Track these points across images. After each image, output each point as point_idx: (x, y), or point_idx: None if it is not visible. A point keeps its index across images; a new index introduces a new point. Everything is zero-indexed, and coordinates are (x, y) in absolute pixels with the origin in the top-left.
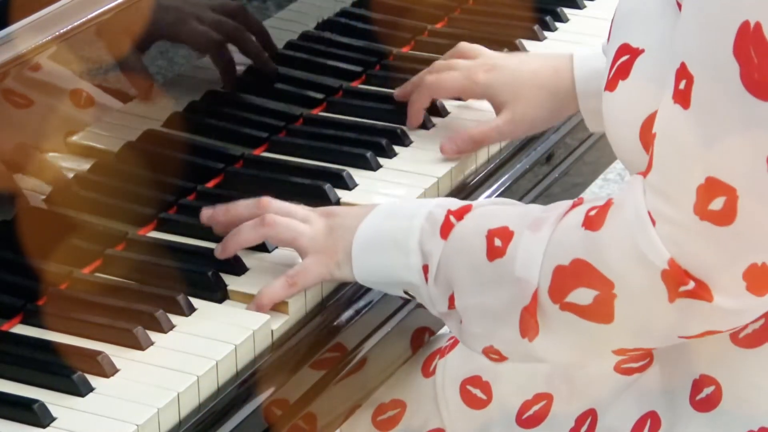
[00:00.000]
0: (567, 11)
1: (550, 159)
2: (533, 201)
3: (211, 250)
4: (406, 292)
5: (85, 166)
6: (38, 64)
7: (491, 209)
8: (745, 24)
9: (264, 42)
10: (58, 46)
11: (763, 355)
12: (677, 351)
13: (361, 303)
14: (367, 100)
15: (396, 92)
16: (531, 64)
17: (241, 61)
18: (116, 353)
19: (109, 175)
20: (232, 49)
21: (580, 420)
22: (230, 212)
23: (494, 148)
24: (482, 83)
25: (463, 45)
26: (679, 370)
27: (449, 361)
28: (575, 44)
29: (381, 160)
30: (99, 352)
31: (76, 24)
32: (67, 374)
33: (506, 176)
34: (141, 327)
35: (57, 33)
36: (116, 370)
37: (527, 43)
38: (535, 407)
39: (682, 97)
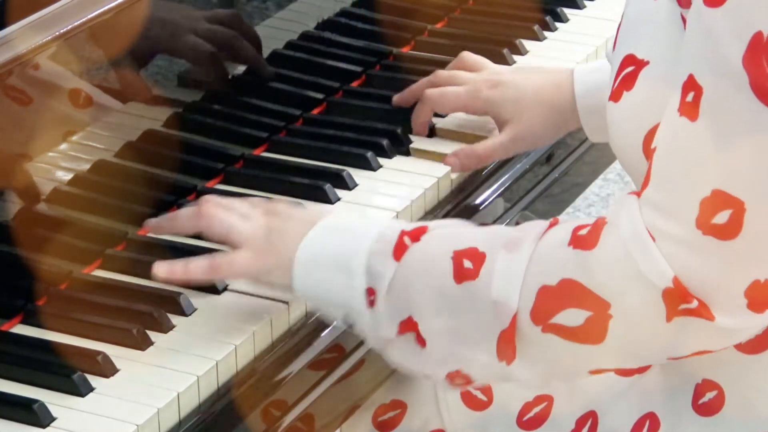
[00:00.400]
0: (567, 11)
1: (550, 159)
2: (533, 201)
3: (212, 250)
4: (345, 319)
5: (85, 166)
6: (38, 64)
7: (452, 230)
8: (758, 34)
9: (257, 48)
10: (57, 46)
11: (765, 361)
12: None
13: None
14: (367, 101)
15: (395, 99)
16: (533, 80)
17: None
18: (116, 353)
19: (109, 175)
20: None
21: (580, 422)
22: (174, 220)
23: None
24: (486, 100)
25: (467, 56)
26: (680, 374)
27: None
28: (575, 44)
29: (381, 160)
30: (99, 352)
31: (76, 24)
32: (67, 374)
33: (506, 176)
34: (141, 327)
35: (57, 33)
36: (116, 370)
37: (527, 43)
38: (536, 409)
39: (690, 110)
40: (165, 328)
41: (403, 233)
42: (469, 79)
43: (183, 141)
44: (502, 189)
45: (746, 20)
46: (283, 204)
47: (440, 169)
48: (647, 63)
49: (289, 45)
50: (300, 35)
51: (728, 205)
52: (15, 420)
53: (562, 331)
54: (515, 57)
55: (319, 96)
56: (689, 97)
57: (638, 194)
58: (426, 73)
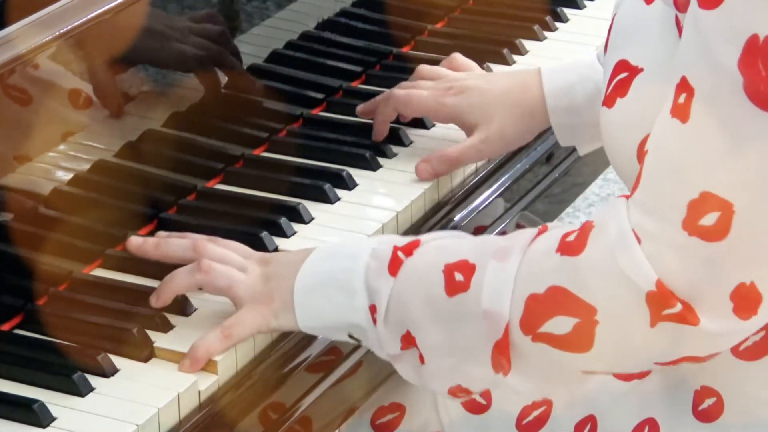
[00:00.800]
0: (567, 11)
1: (550, 159)
2: (533, 201)
3: None
4: (351, 336)
5: (85, 166)
6: (37, 64)
7: (444, 243)
8: (754, 37)
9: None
10: (57, 46)
11: (764, 368)
12: None
13: None
14: (368, 100)
15: (359, 108)
16: (499, 83)
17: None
18: (116, 353)
19: (109, 175)
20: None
21: (579, 426)
22: (161, 249)
23: None
24: (451, 107)
25: (457, 57)
26: (679, 380)
27: None
28: (575, 44)
29: (381, 160)
30: (99, 352)
31: (76, 24)
32: (67, 374)
33: (506, 176)
34: (141, 327)
35: (57, 33)
36: (116, 370)
37: (527, 43)
38: (535, 412)
39: (681, 111)
40: (165, 328)
41: (396, 249)
42: (431, 86)
43: (183, 141)
44: (502, 189)
45: (742, 22)
46: (276, 253)
47: None
48: (641, 70)
49: (289, 45)
50: (300, 35)
51: (717, 207)
52: (15, 420)
53: (551, 340)
54: (515, 57)
55: (319, 96)
56: (681, 99)
57: (628, 197)
58: None
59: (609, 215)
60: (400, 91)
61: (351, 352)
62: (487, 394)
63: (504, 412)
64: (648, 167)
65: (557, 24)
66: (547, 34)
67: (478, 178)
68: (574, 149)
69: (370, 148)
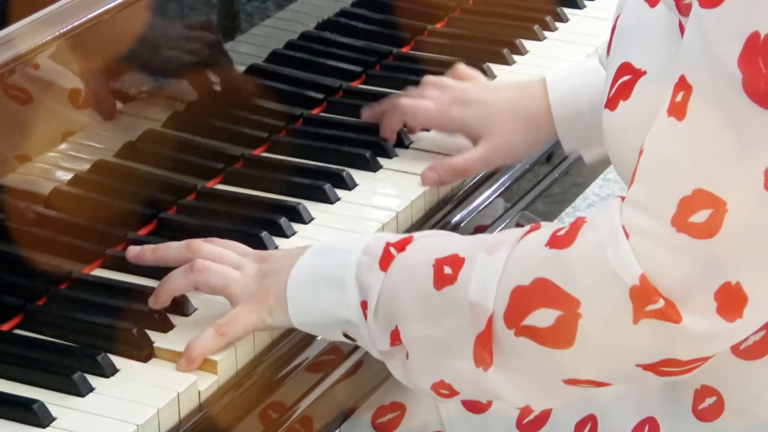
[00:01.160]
0: (567, 11)
1: (550, 159)
2: (533, 201)
3: None
4: (345, 335)
5: (85, 166)
6: (38, 64)
7: (436, 240)
8: (755, 35)
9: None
10: (58, 46)
11: (764, 367)
12: None
13: None
14: (367, 100)
15: (363, 112)
16: (504, 94)
17: (240, 61)
18: (116, 353)
19: (109, 175)
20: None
21: (579, 425)
22: (158, 253)
23: None
24: (456, 120)
25: (460, 67)
26: (679, 379)
27: None
28: (575, 44)
29: (381, 160)
30: (99, 352)
31: (76, 24)
32: (67, 374)
33: (506, 176)
34: (141, 327)
35: (57, 33)
36: (116, 370)
37: (527, 43)
38: (535, 412)
39: (678, 109)
40: (165, 328)
41: (388, 244)
42: (436, 96)
43: (183, 141)
44: (502, 189)
45: (742, 21)
46: (272, 250)
47: None
48: (644, 73)
49: (289, 45)
50: (300, 35)
51: (709, 205)
52: (15, 420)
53: (533, 334)
54: (515, 57)
55: (319, 96)
56: (679, 97)
57: (623, 198)
58: (426, 73)
59: (602, 212)
60: (407, 101)
61: (351, 352)
62: None
63: (504, 412)
64: (642, 164)
65: (557, 24)
66: (547, 34)
67: (478, 178)
68: None
69: (370, 148)
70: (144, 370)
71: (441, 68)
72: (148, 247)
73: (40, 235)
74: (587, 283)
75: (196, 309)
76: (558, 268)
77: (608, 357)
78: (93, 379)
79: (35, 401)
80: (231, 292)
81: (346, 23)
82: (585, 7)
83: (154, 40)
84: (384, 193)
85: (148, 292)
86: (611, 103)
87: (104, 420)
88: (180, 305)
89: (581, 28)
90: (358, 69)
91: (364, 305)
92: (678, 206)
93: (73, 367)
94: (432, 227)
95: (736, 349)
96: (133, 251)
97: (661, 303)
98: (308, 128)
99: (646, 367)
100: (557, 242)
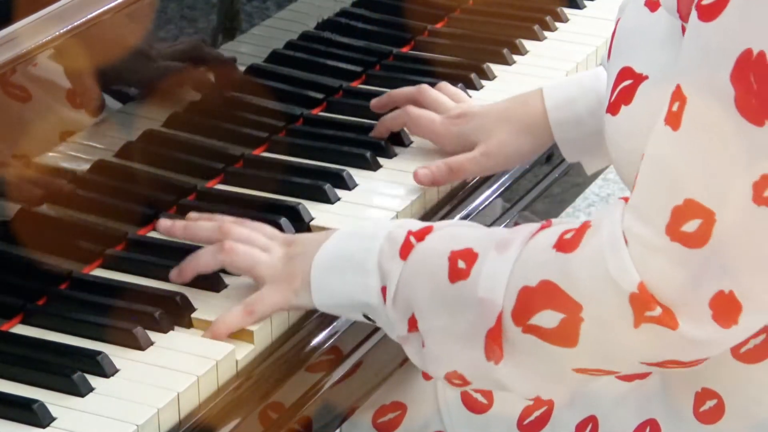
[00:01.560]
0: (567, 11)
1: (550, 159)
2: (533, 201)
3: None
4: (366, 316)
5: (85, 166)
6: (38, 63)
7: (454, 230)
8: (748, 52)
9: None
10: (58, 45)
11: (764, 371)
12: None
13: None
14: (367, 100)
15: (373, 103)
16: (500, 104)
17: (240, 61)
18: (116, 353)
19: (109, 175)
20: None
21: (580, 426)
22: (189, 230)
23: None
24: (455, 134)
25: (445, 86)
26: (680, 381)
27: None
28: (575, 44)
29: (381, 160)
30: (99, 352)
31: (76, 24)
32: (67, 374)
33: (506, 176)
34: (141, 327)
35: (57, 33)
36: (116, 370)
37: (527, 43)
38: (536, 413)
39: (674, 119)
40: (165, 328)
41: (409, 233)
42: (446, 109)
43: (183, 141)
44: (502, 189)
45: (736, 37)
46: (300, 234)
47: None
48: (646, 77)
49: (289, 45)
50: (300, 35)
51: (699, 215)
52: (15, 420)
53: (539, 332)
54: (515, 57)
55: (319, 96)
56: (675, 107)
57: (627, 199)
58: (426, 73)
59: (605, 216)
60: (415, 110)
61: (351, 352)
62: (488, 394)
63: (505, 412)
64: (642, 172)
65: (557, 24)
66: (547, 34)
67: (478, 178)
68: None
69: (370, 148)
70: (144, 370)
71: (441, 68)
72: (180, 223)
73: (40, 235)
74: (588, 289)
75: (195, 309)
76: (562, 271)
77: (612, 356)
78: (93, 379)
79: (35, 401)
80: (258, 273)
81: (346, 23)
82: (585, 7)
83: (154, 40)
84: (384, 193)
85: (148, 292)
86: (613, 108)
87: (104, 420)
88: (179, 305)
89: (581, 28)
90: (358, 69)
91: (383, 291)
92: (671, 215)
93: (73, 367)
94: None
95: (736, 353)
96: (165, 224)
97: (658, 311)
98: (308, 128)
99: (651, 364)
100: (563, 246)
